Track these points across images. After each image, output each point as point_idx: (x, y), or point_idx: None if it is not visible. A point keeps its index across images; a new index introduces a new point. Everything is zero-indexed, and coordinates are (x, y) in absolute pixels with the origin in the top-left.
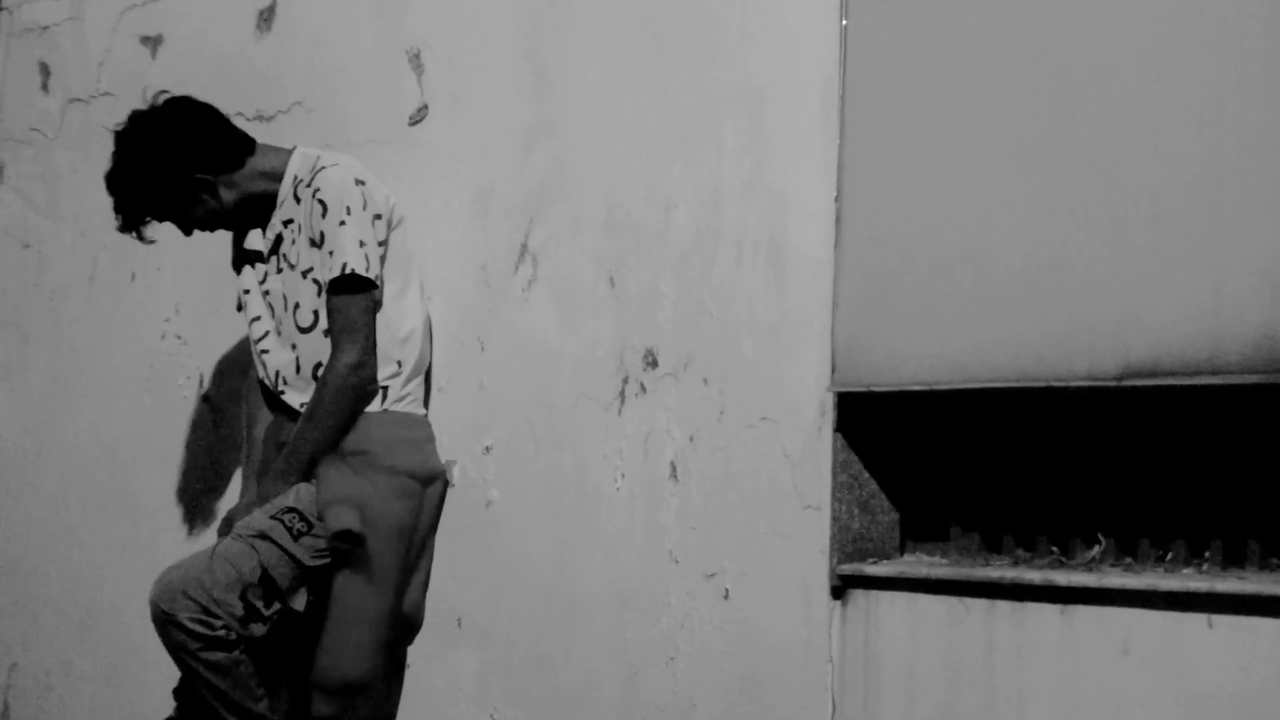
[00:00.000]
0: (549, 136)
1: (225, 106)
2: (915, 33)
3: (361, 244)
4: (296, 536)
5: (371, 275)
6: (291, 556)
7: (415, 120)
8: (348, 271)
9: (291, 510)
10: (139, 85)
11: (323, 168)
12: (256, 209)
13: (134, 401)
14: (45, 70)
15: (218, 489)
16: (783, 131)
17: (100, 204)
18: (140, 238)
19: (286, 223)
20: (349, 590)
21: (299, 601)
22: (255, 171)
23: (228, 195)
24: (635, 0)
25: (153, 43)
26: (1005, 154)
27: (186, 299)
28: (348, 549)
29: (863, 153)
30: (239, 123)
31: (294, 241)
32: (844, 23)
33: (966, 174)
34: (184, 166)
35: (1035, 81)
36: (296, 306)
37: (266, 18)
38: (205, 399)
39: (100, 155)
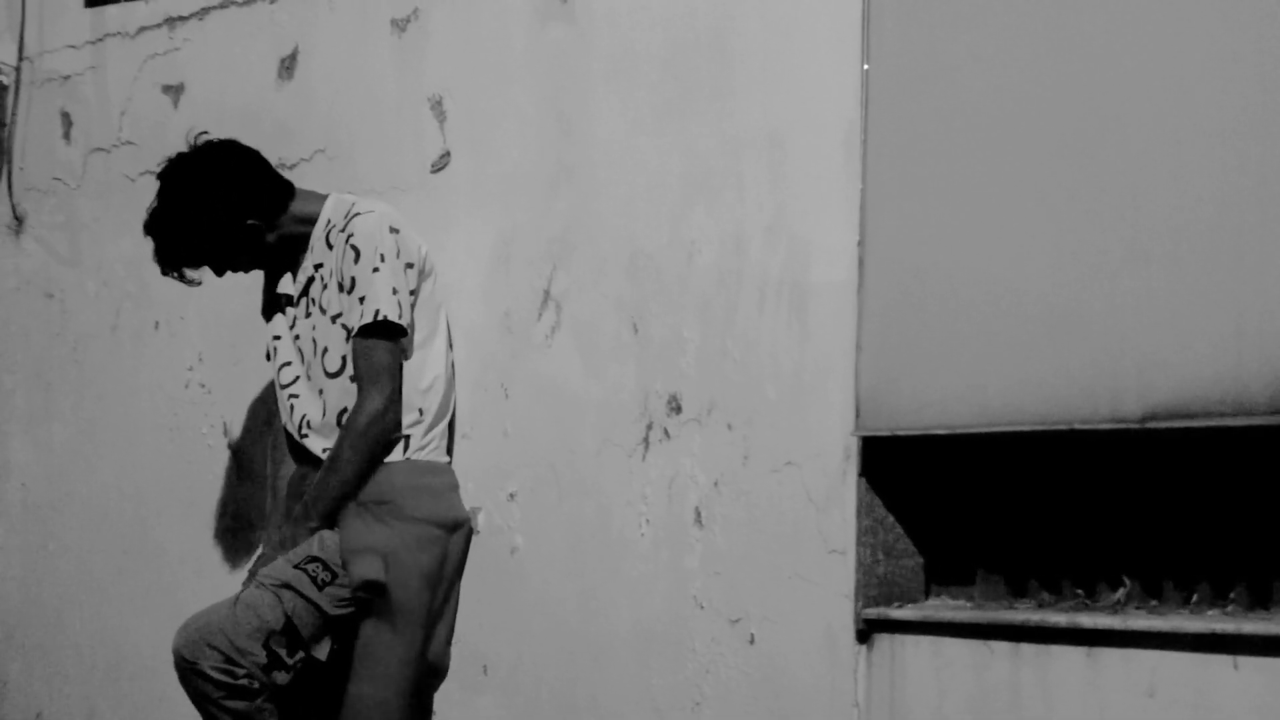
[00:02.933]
0: (571, 182)
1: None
2: (937, 77)
3: (394, 291)
4: (320, 586)
5: (403, 323)
6: (315, 606)
7: (437, 167)
8: (380, 318)
9: (315, 559)
10: (161, 134)
11: (357, 214)
12: (289, 251)
13: (157, 450)
14: (67, 120)
15: (242, 538)
16: (805, 175)
17: (123, 253)
18: (183, 279)
19: (317, 266)
20: (376, 640)
21: (322, 650)
22: (294, 216)
23: (271, 239)
24: (656, 45)
25: (174, 91)
26: (1027, 196)
27: (210, 348)
28: (372, 599)
29: (885, 196)
30: None
31: (325, 286)
32: (865, 67)
33: (989, 217)
34: (235, 213)
35: (1057, 124)
36: (325, 351)
37: (288, 66)
38: (229, 448)
39: (123, 204)
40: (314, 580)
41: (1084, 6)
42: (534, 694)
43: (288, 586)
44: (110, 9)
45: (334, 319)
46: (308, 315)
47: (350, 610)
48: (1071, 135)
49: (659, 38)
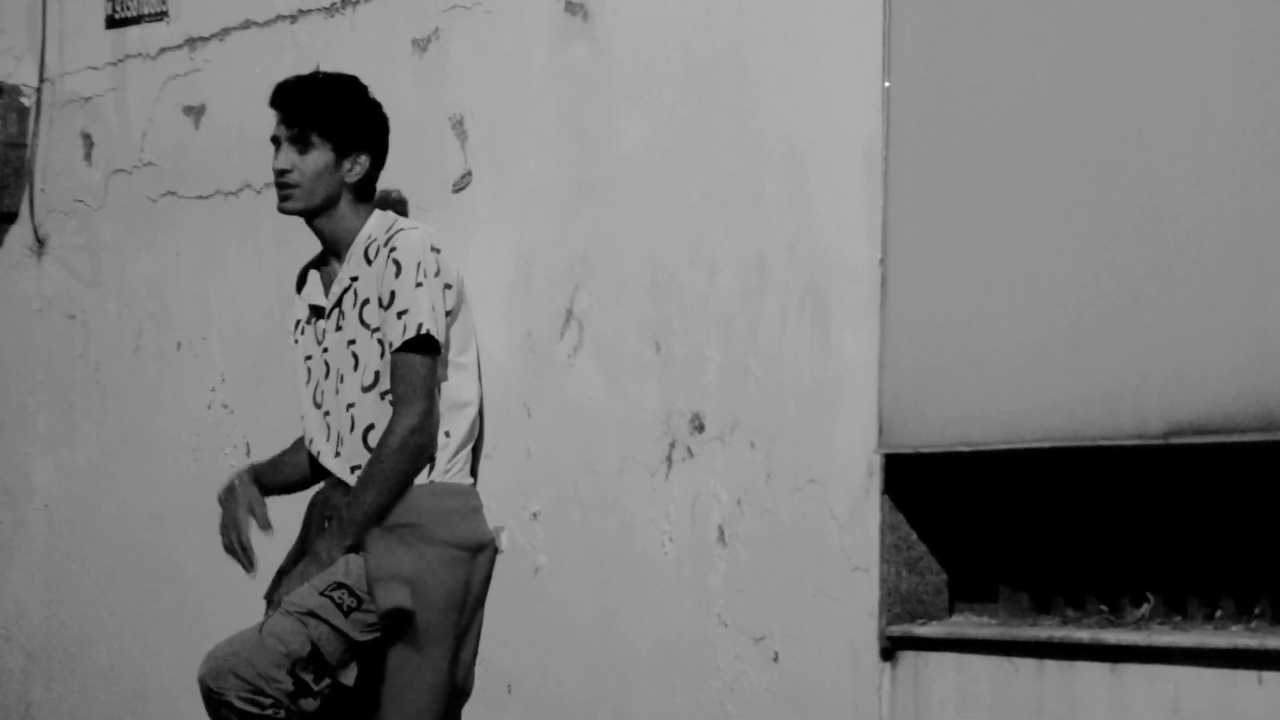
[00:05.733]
0: (592, 201)
1: (269, 175)
2: (957, 93)
3: (434, 308)
4: (347, 612)
5: (441, 339)
6: (341, 633)
7: (459, 187)
8: (423, 332)
9: (341, 586)
10: (182, 155)
11: (400, 229)
12: (328, 246)
13: (180, 471)
14: (88, 141)
15: (264, 558)
16: (826, 193)
17: (144, 274)
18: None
19: (353, 279)
20: (404, 665)
21: (349, 676)
22: (344, 213)
23: (345, 191)
24: (677, 63)
25: (195, 112)
26: (1049, 212)
27: (232, 368)
28: (399, 626)
29: (906, 213)
30: None
31: (365, 301)
32: (886, 84)
33: (1010, 233)
34: (378, 135)
35: (1077, 140)
36: (365, 366)
37: None
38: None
39: (144, 225)
40: (340, 607)
41: (1103, 23)
42: (558, 712)
43: (313, 614)
44: (131, 30)
45: (373, 332)
46: (338, 328)
47: (377, 635)
48: (1093, 151)
49: (680, 56)
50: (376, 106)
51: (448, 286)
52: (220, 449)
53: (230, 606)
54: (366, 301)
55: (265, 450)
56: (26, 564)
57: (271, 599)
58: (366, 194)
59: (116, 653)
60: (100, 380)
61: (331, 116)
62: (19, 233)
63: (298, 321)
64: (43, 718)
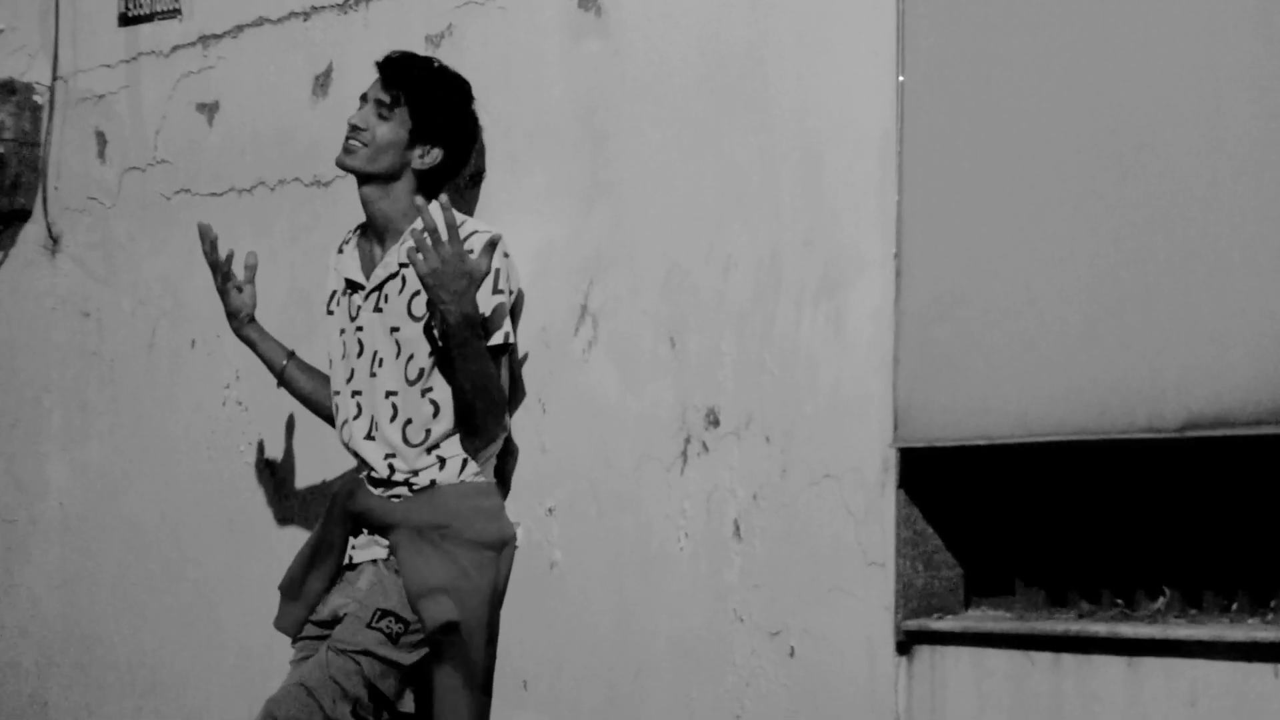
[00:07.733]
0: (607, 198)
1: (283, 172)
2: (971, 88)
3: (508, 317)
4: (395, 639)
5: (514, 344)
6: (394, 664)
7: (473, 183)
8: (511, 341)
9: (387, 614)
10: (196, 153)
11: (475, 231)
12: (377, 222)
13: (195, 469)
14: (101, 139)
15: (279, 556)
16: (841, 188)
17: (158, 272)
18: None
19: (402, 265)
20: (451, 673)
21: (407, 703)
22: (399, 196)
23: (408, 176)
24: (691, 59)
25: (209, 110)
26: (1064, 206)
27: (247, 365)
28: (448, 639)
29: (921, 208)
30: (297, 188)
31: (417, 291)
32: (900, 78)
33: (1025, 227)
34: (460, 141)
35: (1092, 133)
36: (411, 357)
37: (322, 83)
38: (267, 465)
39: (158, 223)
40: (389, 637)
41: (1118, 17)
42: (574, 709)
43: (366, 653)
44: (144, 28)
45: (427, 328)
46: (378, 310)
47: (425, 651)
48: (1108, 144)
49: (694, 52)
50: (474, 118)
51: (511, 293)
52: (235, 446)
53: (245, 604)
54: (417, 293)
55: (279, 446)
56: (41, 561)
57: (285, 591)
58: (430, 190)
59: (131, 649)
60: (114, 378)
61: (423, 97)
62: (33, 231)
63: (334, 293)
64: (58, 714)
